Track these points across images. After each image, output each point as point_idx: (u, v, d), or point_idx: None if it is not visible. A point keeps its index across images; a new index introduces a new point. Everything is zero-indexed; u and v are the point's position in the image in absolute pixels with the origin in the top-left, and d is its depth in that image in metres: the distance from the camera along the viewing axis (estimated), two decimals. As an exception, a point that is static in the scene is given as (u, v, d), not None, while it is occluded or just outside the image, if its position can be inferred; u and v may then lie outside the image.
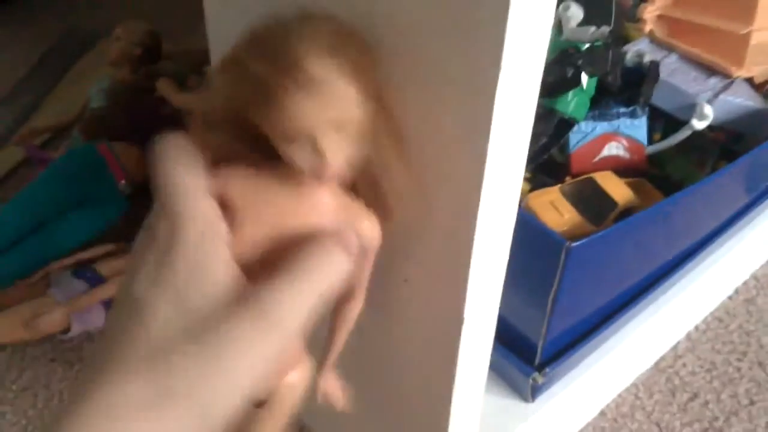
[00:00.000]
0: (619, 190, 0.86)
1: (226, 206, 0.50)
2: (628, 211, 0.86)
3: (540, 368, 0.87)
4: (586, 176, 0.88)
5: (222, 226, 0.47)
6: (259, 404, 0.68)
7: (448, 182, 0.60)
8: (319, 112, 0.49)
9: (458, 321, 0.68)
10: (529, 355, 0.87)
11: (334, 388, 0.71)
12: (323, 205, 0.55)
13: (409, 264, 0.70)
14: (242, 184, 0.52)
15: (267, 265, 0.49)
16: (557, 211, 0.85)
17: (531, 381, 0.87)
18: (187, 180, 0.47)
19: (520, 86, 0.51)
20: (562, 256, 0.77)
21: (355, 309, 0.65)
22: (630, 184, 0.89)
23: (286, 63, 0.48)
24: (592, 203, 0.85)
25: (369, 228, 0.59)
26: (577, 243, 0.76)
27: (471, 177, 0.57)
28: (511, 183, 0.59)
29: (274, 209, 0.52)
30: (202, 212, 0.46)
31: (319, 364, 0.69)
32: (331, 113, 0.49)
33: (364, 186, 0.59)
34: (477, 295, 0.66)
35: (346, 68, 0.49)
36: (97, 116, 1.34)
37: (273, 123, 0.49)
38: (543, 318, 0.84)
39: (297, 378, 0.67)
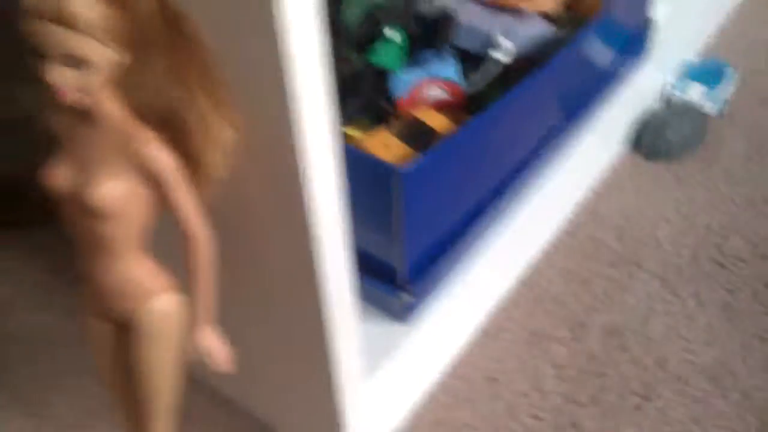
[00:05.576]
0: (437, 120, 0.98)
1: None
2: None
3: (405, 288, 0.98)
4: (410, 115, 1.00)
5: None
6: (124, 329, 0.77)
7: (266, 130, 0.71)
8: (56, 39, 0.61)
9: (311, 261, 0.79)
10: (393, 278, 0.98)
11: (213, 344, 0.78)
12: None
13: (252, 216, 0.80)
14: None
15: None
16: (389, 148, 0.96)
17: (400, 301, 0.98)
18: None
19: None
20: (396, 181, 0.89)
21: (198, 250, 0.73)
22: (451, 118, 1.01)
23: None
24: (418, 135, 0.97)
25: (154, 148, 0.68)
26: (406, 167, 0.88)
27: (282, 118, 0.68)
28: (322, 115, 0.70)
29: None
30: None
31: (193, 320, 0.77)
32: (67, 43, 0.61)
33: (175, 134, 0.69)
34: (324, 236, 0.77)
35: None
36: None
37: None
38: (395, 241, 0.95)
39: (165, 305, 0.76)
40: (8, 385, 1.11)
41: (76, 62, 0.62)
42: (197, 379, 0.98)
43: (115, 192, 0.68)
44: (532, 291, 1.19)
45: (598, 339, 1.11)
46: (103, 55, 0.63)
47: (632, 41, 1.38)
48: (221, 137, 0.71)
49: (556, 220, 1.30)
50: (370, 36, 0.98)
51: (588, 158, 1.31)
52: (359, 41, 0.99)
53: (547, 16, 1.15)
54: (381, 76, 1.01)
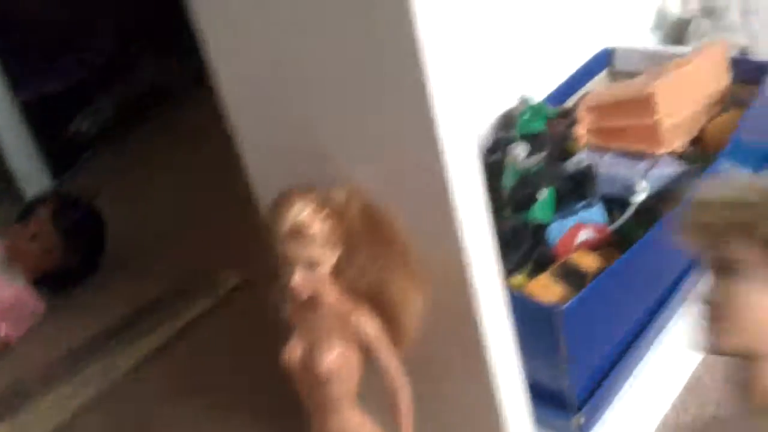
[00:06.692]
0: (589, 259, 1.16)
1: None
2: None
3: (578, 411, 1.14)
4: (565, 258, 1.18)
5: None
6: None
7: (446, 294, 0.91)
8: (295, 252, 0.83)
9: (490, 395, 0.97)
10: (563, 404, 1.14)
11: None
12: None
13: (437, 361, 0.99)
14: None
15: None
16: (550, 289, 1.14)
17: (574, 423, 1.14)
18: None
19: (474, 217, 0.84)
20: (558, 318, 1.07)
21: (399, 397, 0.91)
22: (601, 255, 1.19)
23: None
24: (573, 276, 1.15)
25: (364, 321, 0.88)
26: (566, 305, 1.06)
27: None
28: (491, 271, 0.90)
29: None
30: None
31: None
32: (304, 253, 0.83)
33: (379, 305, 0.90)
34: (500, 373, 0.95)
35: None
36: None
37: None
38: (563, 372, 1.11)
39: None
40: None
41: (311, 265, 0.85)
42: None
43: (335, 358, 0.89)
44: (699, 398, 1.32)
45: None
46: (330, 256, 0.85)
47: (762, 163, 1.50)
48: (415, 305, 0.91)
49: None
50: (525, 196, 1.18)
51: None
52: (515, 201, 1.19)
53: (676, 154, 1.32)
54: (537, 228, 1.20)
